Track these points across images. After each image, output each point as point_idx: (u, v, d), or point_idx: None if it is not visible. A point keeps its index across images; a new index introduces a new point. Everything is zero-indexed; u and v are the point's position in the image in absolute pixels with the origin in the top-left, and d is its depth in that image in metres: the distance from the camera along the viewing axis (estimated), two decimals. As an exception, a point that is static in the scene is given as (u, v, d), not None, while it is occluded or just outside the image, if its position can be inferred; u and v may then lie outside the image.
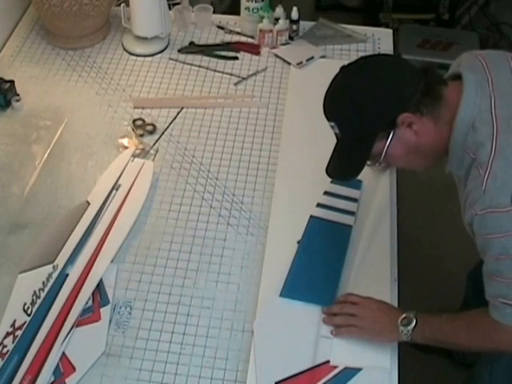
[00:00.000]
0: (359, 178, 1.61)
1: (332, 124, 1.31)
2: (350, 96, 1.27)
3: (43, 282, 1.46)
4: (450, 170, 1.30)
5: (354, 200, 1.63)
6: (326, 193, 1.65)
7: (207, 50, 2.11)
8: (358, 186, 1.65)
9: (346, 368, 1.34)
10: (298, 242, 1.55)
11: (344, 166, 1.35)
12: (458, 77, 1.29)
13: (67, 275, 1.48)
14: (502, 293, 1.22)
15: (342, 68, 1.32)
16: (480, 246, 1.23)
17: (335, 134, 1.33)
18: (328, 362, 1.35)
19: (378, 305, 1.41)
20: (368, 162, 1.34)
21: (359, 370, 1.34)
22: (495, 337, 1.27)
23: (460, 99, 1.24)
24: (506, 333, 1.24)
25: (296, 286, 1.47)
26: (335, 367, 1.34)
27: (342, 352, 1.37)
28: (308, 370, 1.34)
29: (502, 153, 1.18)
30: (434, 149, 1.30)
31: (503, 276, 1.20)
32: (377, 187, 1.67)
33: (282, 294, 1.46)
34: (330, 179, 1.49)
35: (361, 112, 1.26)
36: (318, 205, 1.63)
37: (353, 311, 1.40)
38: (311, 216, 1.60)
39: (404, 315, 1.36)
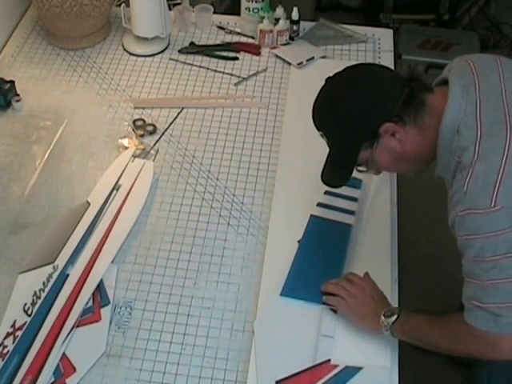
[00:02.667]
0: (359, 177, 1.64)
1: (321, 134, 1.37)
2: (333, 109, 1.32)
3: (43, 283, 1.46)
4: (439, 173, 1.32)
5: (354, 199, 1.64)
6: (326, 192, 1.65)
7: (207, 50, 2.11)
8: (358, 185, 1.66)
9: (346, 367, 1.34)
10: (299, 242, 1.56)
11: (334, 173, 1.40)
12: (446, 82, 1.30)
13: (67, 275, 1.48)
14: (475, 295, 1.21)
15: (327, 79, 1.36)
16: (460, 247, 1.23)
17: (326, 142, 1.37)
18: (328, 360, 1.35)
19: (371, 290, 1.43)
20: (361, 168, 1.39)
21: (360, 368, 1.34)
22: (466, 339, 1.26)
23: (446, 104, 1.25)
24: (476, 337, 1.23)
25: (296, 285, 1.47)
26: (336, 366, 1.34)
27: (343, 351, 1.37)
28: (308, 368, 1.34)
29: (485, 156, 1.18)
30: (420, 155, 1.32)
31: (478, 278, 1.20)
32: (377, 187, 1.68)
33: (282, 293, 1.46)
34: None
35: (343, 125, 1.31)
36: (319, 204, 1.63)
37: (347, 287, 1.43)
38: (311, 215, 1.61)
39: (389, 308, 1.38)
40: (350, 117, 1.30)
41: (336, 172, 1.39)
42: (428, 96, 1.29)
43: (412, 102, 1.27)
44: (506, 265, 1.17)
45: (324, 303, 1.44)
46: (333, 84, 1.35)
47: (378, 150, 1.31)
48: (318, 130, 1.36)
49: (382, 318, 1.36)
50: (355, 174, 1.63)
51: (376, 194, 1.66)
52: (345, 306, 1.42)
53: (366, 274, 1.47)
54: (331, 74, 1.36)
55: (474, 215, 1.17)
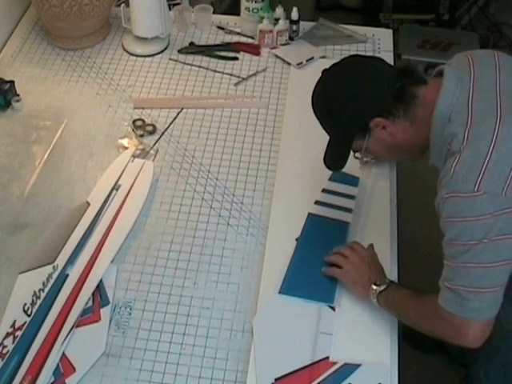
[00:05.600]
0: (357, 175, 1.65)
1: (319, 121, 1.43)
2: (325, 103, 1.38)
3: (43, 283, 1.46)
4: (432, 162, 1.35)
5: (352, 197, 1.64)
6: (323, 190, 1.65)
7: (207, 50, 2.11)
8: (355, 183, 1.67)
9: (345, 364, 1.34)
10: (297, 240, 1.56)
11: (332, 158, 1.46)
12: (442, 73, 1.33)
13: (67, 275, 1.48)
14: (448, 277, 1.25)
15: (324, 71, 1.42)
16: (441, 228, 1.26)
17: None
18: (327, 358, 1.36)
19: (369, 260, 1.47)
20: (357, 155, 1.48)
21: (358, 365, 1.34)
22: (436, 320, 1.29)
23: (439, 94, 1.29)
24: (444, 319, 1.26)
25: (295, 283, 1.47)
26: (334, 363, 1.35)
27: (341, 348, 1.37)
28: (308, 366, 1.34)
29: (473, 142, 1.21)
30: (413, 145, 1.36)
31: (451, 260, 1.24)
32: (376, 186, 1.68)
33: (280, 291, 1.46)
34: (328, 179, 1.65)
35: (335, 118, 1.38)
36: (316, 202, 1.63)
37: (346, 253, 1.47)
38: (309, 213, 1.61)
39: (381, 278, 1.42)
40: (341, 111, 1.36)
41: (333, 157, 1.46)
42: (421, 89, 1.32)
43: (402, 97, 1.32)
44: (479, 250, 1.19)
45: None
46: (327, 77, 1.41)
47: (371, 140, 1.37)
48: (317, 118, 1.42)
49: (372, 285, 1.40)
50: (354, 171, 1.65)
51: (375, 193, 1.66)
52: (340, 273, 1.46)
53: (371, 245, 1.51)
54: (327, 66, 1.42)
55: (456, 198, 1.20)
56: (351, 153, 1.45)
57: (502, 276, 1.22)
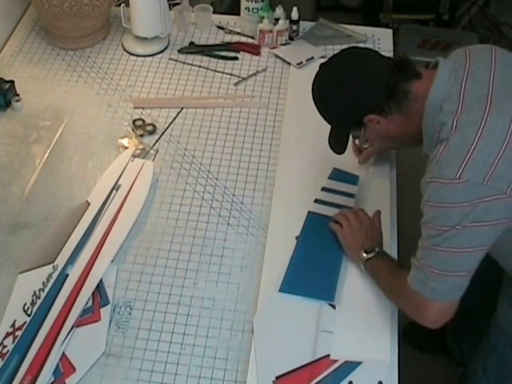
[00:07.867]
0: (357, 174, 1.65)
1: None
2: (321, 98, 1.43)
3: (43, 283, 1.46)
4: (425, 151, 1.36)
5: (351, 195, 1.64)
6: (323, 189, 1.65)
7: (207, 50, 2.11)
8: (354, 181, 1.67)
9: (345, 362, 1.35)
10: (297, 238, 1.56)
11: (333, 143, 1.51)
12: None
13: (67, 275, 1.48)
14: (418, 255, 1.29)
15: (321, 65, 1.45)
16: (421, 209, 1.28)
17: None
18: (328, 356, 1.36)
19: (367, 226, 1.51)
20: (357, 142, 1.58)
21: (359, 363, 1.34)
22: (403, 296, 1.33)
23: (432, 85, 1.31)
24: (409, 296, 1.30)
25: (295, 281, 1.47)
26: (335, 361, 1.35)
27: (342, 346, 1.37)
28: (308, 364, 1.34)
29: (461, 131, 1.22)
30: (409, 135, 1.39)
31: (423, 241, 1.27)
32: (376, 184, 1.68)
33: (281, 290, 1.46)
34: (328, 177, 1.68)
35: (331, 112, 1.43)
36: (316, 201, 1.64)
37: (349, 217, 1.53)
38: (309, 212, 1.61)
39: (373, 245, 1.45)
40: (336, 108, 1.40)
41: (334, 143, 1.50)
42: (414, 84, 1.34)
43: (395, 94, 1.34)
44: (451, 235, 1.21)
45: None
46: (324, 72, 1.44)
47: (367, 131, 1.42)
48: (316, 108, 1.46)
49: (362, 252, 1.44)
50: (354, 170, 1.65)
51: (375, 192, 1.66)
52: (340, 232, 1.52)
53: (377, 212, 1.56)
54: (325, 60, 1.46)
55: (438, 184, 1.22)
56: (352, 138, 1.52)
57: (470, 262, 1.24)
